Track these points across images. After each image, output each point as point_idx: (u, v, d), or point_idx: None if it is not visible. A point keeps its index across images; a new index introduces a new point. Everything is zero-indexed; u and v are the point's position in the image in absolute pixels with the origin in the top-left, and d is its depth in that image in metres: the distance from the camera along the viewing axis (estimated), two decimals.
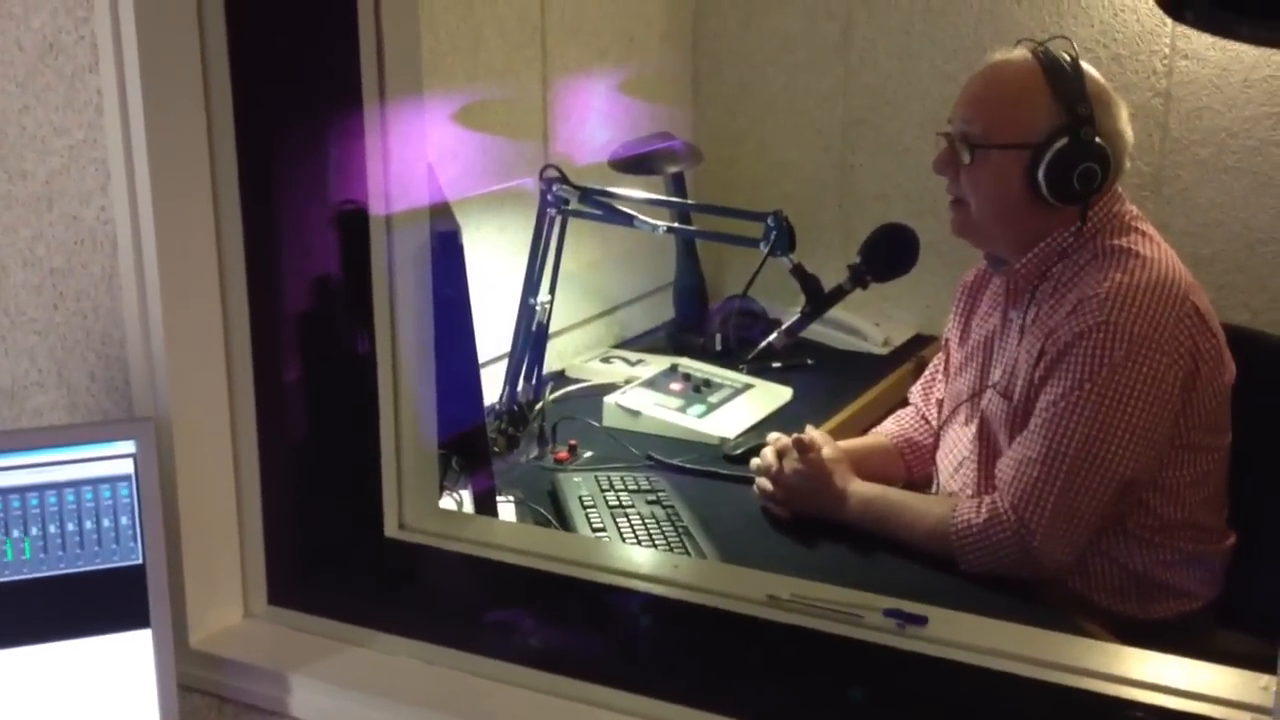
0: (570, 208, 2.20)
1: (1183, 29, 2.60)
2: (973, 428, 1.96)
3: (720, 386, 2.48)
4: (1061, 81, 1.81)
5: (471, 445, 1.79)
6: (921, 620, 1.31)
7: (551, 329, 2.28)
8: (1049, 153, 1.80)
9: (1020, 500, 1.75)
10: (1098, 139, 1.80)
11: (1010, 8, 2.77)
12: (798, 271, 2.05)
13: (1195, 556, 1.86)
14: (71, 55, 1.28)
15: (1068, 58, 1.84)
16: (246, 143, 1.33)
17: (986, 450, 1.91)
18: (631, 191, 2.29)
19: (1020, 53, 1.87)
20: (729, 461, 2.20)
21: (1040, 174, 1.80)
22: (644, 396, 2.40)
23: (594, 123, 2.72)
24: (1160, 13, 2.60)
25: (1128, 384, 1.73)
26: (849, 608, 1.34)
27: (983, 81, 1.90)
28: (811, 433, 2.01)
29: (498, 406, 2.23)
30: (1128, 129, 1.87)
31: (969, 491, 1.92)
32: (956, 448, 2.01)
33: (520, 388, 2.24)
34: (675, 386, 2.46)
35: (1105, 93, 1.85)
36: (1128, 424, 1.73)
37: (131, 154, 1.25)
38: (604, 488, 2.00)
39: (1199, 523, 1.87)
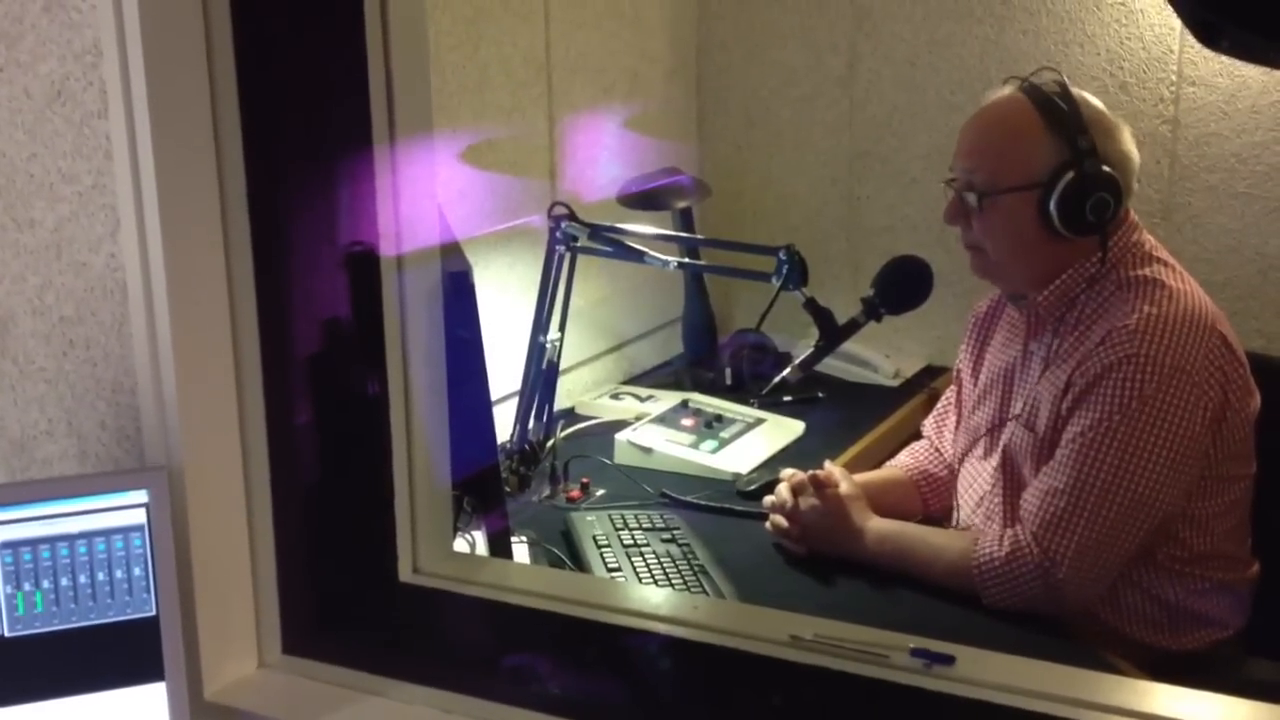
0: (579, 245, 2.20)
1: (1190, 55, 2.60)
2: (993, 461, 1.94)
3: (732, 421, 2.47)
4: (1055, 115, 1.80)
5: (484, 486, 1.77)
6: (949, 660, 1.29)
7: (560, 366, 2.27)
8: (1058, 189, 1.78)
9: (1044, 531, 1.73)
10: (1105, 168, 1.79)
11: (1015, 38, 2.77)
12: (810, 305, 2.04)
13: (1224, 585, 1.84)
14: (80, 101, 1.27)
15: (1058, 88, 1.83)
16: (257, 186, 1.32)
17: (1010, 483, 1.89)
18: (640, 227, 2.28)
19: (1009, 91, 1.86)
20: (743, 497, 2.18)
21: (1053, 211, 1.79)
22: (655, 433, 2.38)
23: (601, 159, 2.71)
24: (1167, 40, 2.61)
25: (1159, 416, 1.71)
26: (874, 647, 1.32)
27: (978, 127, 1.89)
28: (829, 468, 1.99)
29: (508, 446, 2.21)
30: (1133, 149, 1.85)
31: (993, 526, 1.89)
32: (977, 482, 1.98)
33: (531, 426, 2.22)
34: (687, 422, 2.44)
35: (1103, 117, 1.84)
36: (1159, 456, 1.71)
37: (141, 200, 1.24)
38: (618, 526, 1.98)
39: (1226, 552, 1.85)
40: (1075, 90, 1.84)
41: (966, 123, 1.91)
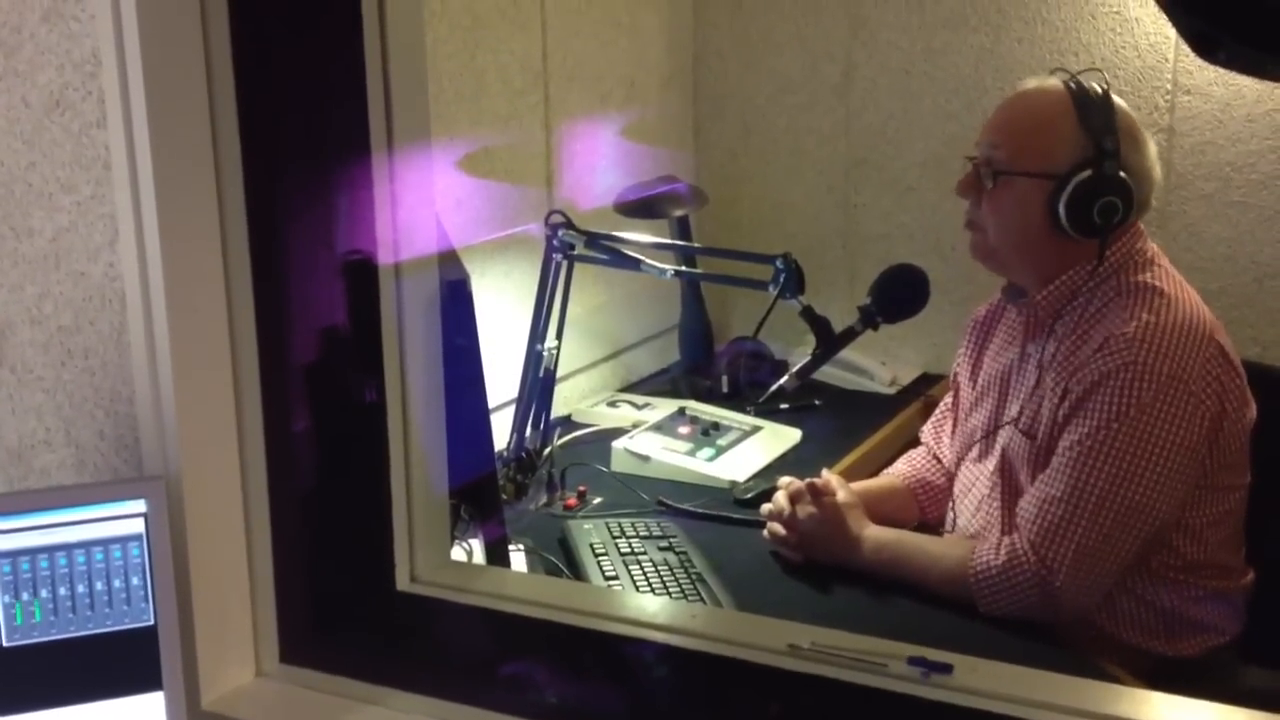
0: (576, 253, 2.20)
1: (1184, 64, 2.60)
2: (989, 464, 1.94)
3: (729, 429, 2.47)
4: (1090, 113, 1.80)
5: (482, 494, 1.77)
6: (947, 669, 1.29)
7: (557, 374, 2.27)
8: (1071, 184, 1.79)
9: (1041, 540, 1.73)
10: (1122, 173, 1.79)
11: (1011, 46, 2.78)
12: (807, 314, 2.04)
13: (1219, 593, 1.84)
14: (79, 111, 1.27)
15: (1100, 90, 1.83)
16: (255, 195, 1.32)
17: (1008, 489, 1.89)
18: (637, 235, 2.29)
19: (1053, 82, 1.87)
20: (740, 505, 2.18)
21: (1061, 205, 1.79)
22: (652, 440, 2.38)
23: (598, 167, 2.72)
24: (1162, 49, 2.62)
25: (1156, 425, 1.71)
26: (871, 656, 1.32)
27: (1012, 108, 1.89)
28: (827, 476, 1.99)
29: (506, 454, 2.21)
30: (1155, 166, 1.85)
31: (992, 532, 1.90)
32: (975, 486, 1.98)
33: (528, 434, 2.22)
34: (683, 430, 2.44)
35: (1135, 128, 1.84)
36: (1155, 466, 1.71)
37: (140, 209, 1.24)
38: (615, 534, 1.98)
39: (1220, 561, 1.85)
40: (1116, 98, 1.84)
41: (1003, 101, 1.92)
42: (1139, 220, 1.86)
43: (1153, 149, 1.85)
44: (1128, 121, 1.83)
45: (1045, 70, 2.65)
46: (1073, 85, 1.84)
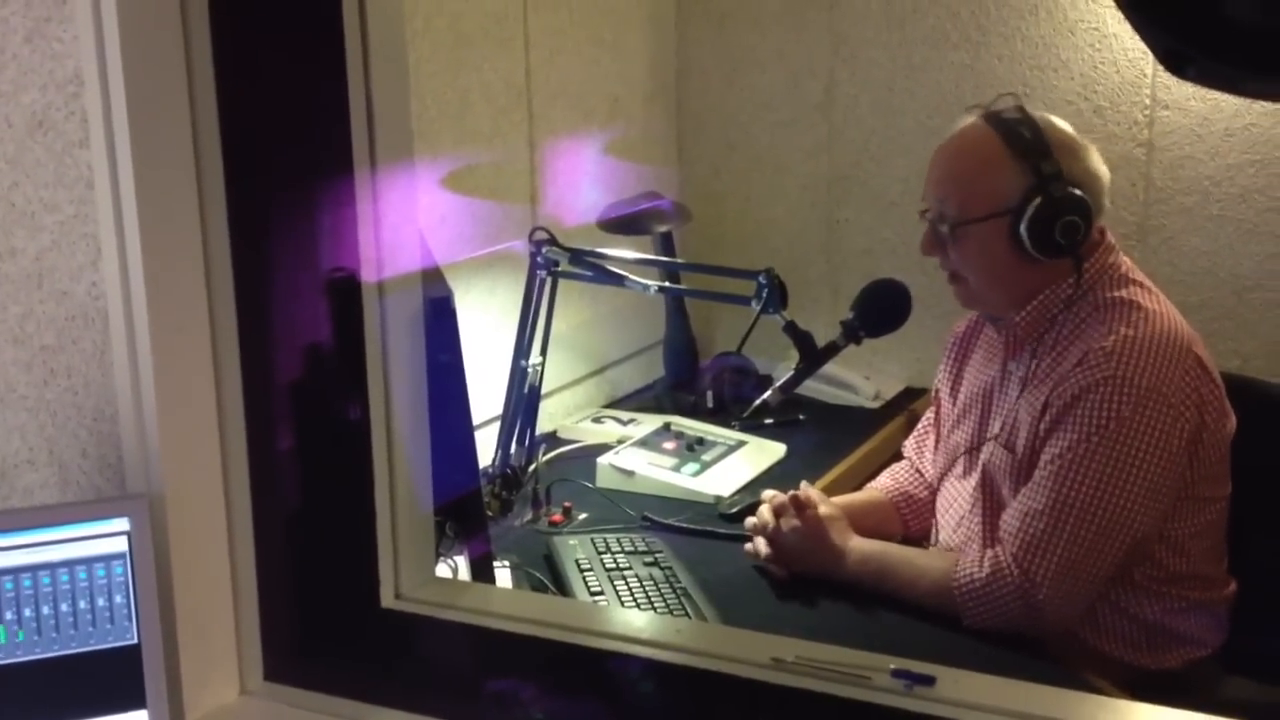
0: (560, 269, 2.20)
1: (1163, 79, 2.63)
2: (972, 481, 1.95)
3: (713, 444, 2.47)
4: (1018, 141, 1.82)
5: (466, 510, 1.77)
6: (930, 680, 1.30)
7: (542, 390, 2.27)
8: (1026, 214, 1.80)
9: (1024, 552, 1.74)
10: (1072, 189, 1.81)
11: (991, 63, 2.80)
12: (790, 329, 2.05)
13: (1202, 604, 1.86)
14: (62, 131, 1.28)
15: (1018, 114, 1.85)
16: (238, 214, 1.33)
17: (989, 504, 1.90)
18: (621, 252, 2.30)
19: (972, 120, 1.89)
20: (725, 520, 2.19)
21: (1024, 236, 1.81)
22: (637, 456, 2.38)
23: (581, 184, 2.73)
24: (1140, 65, 2.64)
25: (1136, 438, 1.73)
26: (855, 669, 1.33)
27: (944, 159, 1.91)
28: (807, 490, 2.00)
29: (490, 470, 2.21)
30: (1100, 167, 1.87)
31: (973, 546, 1.90)
32: (957, 502, 1.99)
33: (513, 450, 2.22)
34: (668, 445, 2.45)
35: (1068, 139, 1.86)
36: (1136, 478, 1.72)
37: (123, 229, 1.24)
38: (600, 550, 1.98)
39: (1203, 573, 1.86)
40: (1039, 114, 1.86)
41: (934, 154, 1.93)
42: (1102, 225, 1.88)
43: (1093, 152, 1.86)
44: (1058, 135, 1.85)
45: (1025, 86, 2.69)
46: (992, 119, 1.85)
